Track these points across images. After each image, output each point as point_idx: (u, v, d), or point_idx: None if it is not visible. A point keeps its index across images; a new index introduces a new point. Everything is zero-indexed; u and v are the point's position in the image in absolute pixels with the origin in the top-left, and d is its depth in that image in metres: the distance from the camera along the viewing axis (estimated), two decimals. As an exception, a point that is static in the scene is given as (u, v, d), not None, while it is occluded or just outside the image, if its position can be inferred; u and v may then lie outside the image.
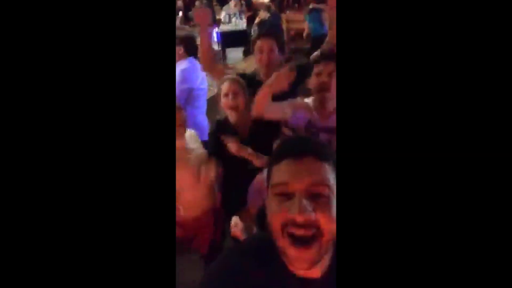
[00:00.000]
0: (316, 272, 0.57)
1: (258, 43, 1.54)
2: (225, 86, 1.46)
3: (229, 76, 1.54)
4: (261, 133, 1.41)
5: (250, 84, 1.48)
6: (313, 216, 0.51)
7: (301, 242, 0.52)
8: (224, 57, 4.63)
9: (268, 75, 1.40)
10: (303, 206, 0.51)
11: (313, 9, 4.50)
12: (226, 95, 1.45)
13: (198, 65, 2.38)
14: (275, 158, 0.58)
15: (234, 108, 1.45)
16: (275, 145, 1.25)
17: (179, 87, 2.17)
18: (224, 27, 5.03)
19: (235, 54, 4.83)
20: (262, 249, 0.60)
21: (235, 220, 1.35)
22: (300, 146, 0.57)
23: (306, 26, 4.64)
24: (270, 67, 1.50)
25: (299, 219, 0.51)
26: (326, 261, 0.57)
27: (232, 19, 5.08)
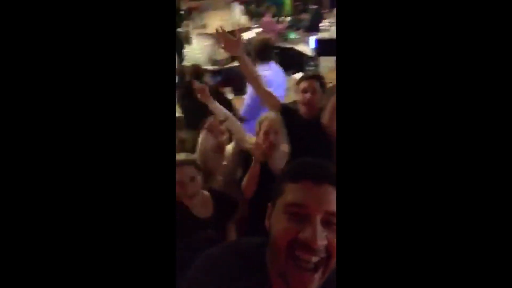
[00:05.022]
0: None
1: (302, 84, 1.72)
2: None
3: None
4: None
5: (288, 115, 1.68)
6: (326, 243, 0.53)
7: (307, 266, 0.53)
8: (316, 65, 4.58)
9: (309, 114, 1.66)
10: (320, 233, 0.52)
11: None
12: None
13: (279, 71, 2.44)
14: (292, 176, 0.58)
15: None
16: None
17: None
18: (323, 35, 4.99)
19: (328, 63, 4.73)
20: (250, 255, 0.62)
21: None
22: (321, 171, 0.57)
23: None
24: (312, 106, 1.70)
25: (315, 245, 0.52)
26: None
27: (331, 28, 5.00)
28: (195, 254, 0.66)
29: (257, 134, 1.60)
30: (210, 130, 1.62)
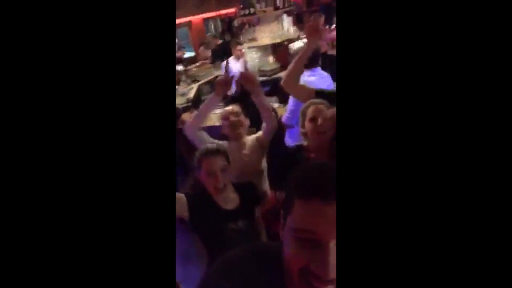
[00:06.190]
0: None
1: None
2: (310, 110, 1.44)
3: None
4: None
5: None
6: None
7: None
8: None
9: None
10: (333, 262, 0.45)
11: None
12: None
13: (325, 76, 2.33)
14: (299, 191, 0.49)
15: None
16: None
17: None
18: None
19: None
20: (268, 260, 0.57)
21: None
22: (330, 181, 0.46)
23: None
24: None
25: (327, 277, 0.46)
26: None
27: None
28: (226, 247, 0.66)
29: (302, 126, 1.45)
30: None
